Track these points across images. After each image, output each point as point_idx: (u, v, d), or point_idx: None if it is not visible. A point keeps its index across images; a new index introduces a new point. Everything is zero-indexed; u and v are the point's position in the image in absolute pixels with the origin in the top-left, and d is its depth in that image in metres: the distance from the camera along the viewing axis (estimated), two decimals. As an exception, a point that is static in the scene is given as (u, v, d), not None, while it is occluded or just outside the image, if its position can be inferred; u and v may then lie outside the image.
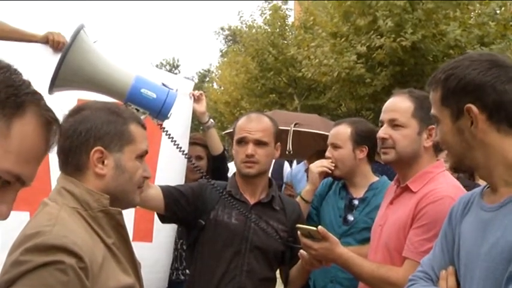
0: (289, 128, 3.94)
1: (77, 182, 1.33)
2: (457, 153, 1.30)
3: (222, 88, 22.25)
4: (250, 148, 2.10)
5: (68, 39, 2.50)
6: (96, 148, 1.33)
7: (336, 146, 2.46)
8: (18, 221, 2.33)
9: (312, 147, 4.10)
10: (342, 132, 2.47)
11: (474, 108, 1.23)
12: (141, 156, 1.42)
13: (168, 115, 1.72)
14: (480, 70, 1.26)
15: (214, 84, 27.70)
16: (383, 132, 1.94)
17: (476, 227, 1.28)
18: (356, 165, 2.44)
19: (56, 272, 1.10)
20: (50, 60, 2.44)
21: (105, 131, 1.35)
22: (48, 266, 1.10)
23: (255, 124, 2.15)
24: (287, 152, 3.60)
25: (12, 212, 2.55)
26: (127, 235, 1.36)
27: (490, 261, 1.17)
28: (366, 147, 2.42)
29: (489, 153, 1.25)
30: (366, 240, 2.21)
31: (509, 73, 1.24)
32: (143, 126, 1.45)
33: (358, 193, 2.44)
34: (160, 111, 1.68)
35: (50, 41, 2.48)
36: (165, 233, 2.59)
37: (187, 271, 2.63)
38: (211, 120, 2.87)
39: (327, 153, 2.50)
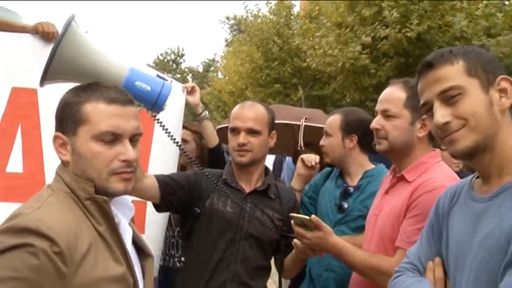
0: (299, 123, 3.89)
1: (65, 169, 1.30)
2: (486, 127, 1.20)
3: (227, 77, 22.19)
4: (242, 137, 2.11)
5: (58, 29, 2.50)
6: (55, 134, 1.29)
7: (327, 134, 2.51)
8: (11, 212, 2.35)
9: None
10: (332, 121, 2.52)
11: (510, 79, 1.21)
12: (109, 138, 1.25)
13: (163, 107, 1.70)
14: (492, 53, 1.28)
15: (219, 73, 27.63)
16: (376, 122, 1.94)
17: (468, 218, 1.26)
18: (347, 154, 2.46)
19: (25, 255, 1.08)
20: (40, 50, 2.44)
21: (62, 115, 1.28)
22: (17, 249, 1.08)
23: (247, 113, 2.15)
24: (299, 148, 3.56)
25: (5, 204, 2.56)
26: (115, 224, 1.29)
27: (485, 251, 1.16)
28: (356, 136, 2.43)
29: (507, 133, 1.22)
30: (360, 228, 2.22)
31: None
32: (117, 103, 1.28)
33: (353, 181, 2.45)
34: (155, 103, 1.65)
35: (40, 32, 2.47)
36: (156, 225, 2.63)
37: (183, 258, 2.65)
38: (206, 112, 2.87)
39: (321, 141, 2.56)
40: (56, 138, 1.29)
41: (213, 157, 2.88)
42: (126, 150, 1.28)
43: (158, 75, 1.72)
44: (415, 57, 11.14)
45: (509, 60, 11.15)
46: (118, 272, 1.24)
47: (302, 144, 3.47)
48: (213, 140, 2.90)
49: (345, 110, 2.57)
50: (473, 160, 1.26)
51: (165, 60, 39.61)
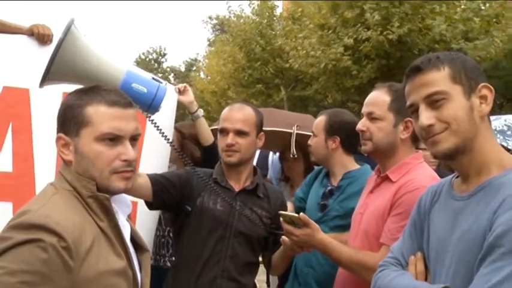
0: (291, 131, 3.94)
1: (67, 168, 1.35)
2: (465, 131, 1.28)
3: (209, 77, 22.21)
4: (230, 138, 2.17)
5: (53, 31, 2.52)
6: (58, 135, 1.34)
7: (313, 134, 2.61)
8: (1, 211, 2.37)
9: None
10: (318, 121, 2.61)
11: (491, 87, 1.31)
12: (110, 139, 1.31)
13: (158, 108, 1.75)
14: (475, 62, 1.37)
15: (201, 73, 27.61)
16: (361, 124, 2.03)
17: (448, 215, 1.35)
18: (329, 155, 2.54)
19: (35, 249, 1.14)
20: (34, 52, 2.45)
21: (65, 117, 1.34)
22: (28, 244, 1.14)
23: (236, 114, 2.21)
24: (291, 156, 3.61)
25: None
26: (117, 221, 1.36)
27: (463, 246, 1.25)
28: (338, 138, 2.50)
29: (485, 136, 1.31)
30: (338, 228, 2.32)
31: None
32: (117, 105, 1.34)
33: (336, 181, 2.53)
34: (150, 105, 1.70)
35: (35, 34, 2.48)
36: (147, 225, 2.66)
37: (174, 258, 2.69)
38: (201, 110, 2.87)
39: (308, 141, 2.67)
40: (58, 139, 1.35)
41: (207, 155, 2.85)
42: (127, 150, 1.34)
43: (154, 78, 1.78)
44: (396, 59, 11.37)
45: (485, 64, 11.45)
46: (119, 265, 1.31)
47: (294, 152, 3.52)
48: (208, 138, 2.89)
49: (330, 112, 2.65)
50: (453, 161, 1.35)
51: (147, 59, 39.34)
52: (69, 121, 1.32)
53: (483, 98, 1.31)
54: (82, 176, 1.32)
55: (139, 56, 39.48)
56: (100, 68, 1.63)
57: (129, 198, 1.50)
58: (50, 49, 1.62)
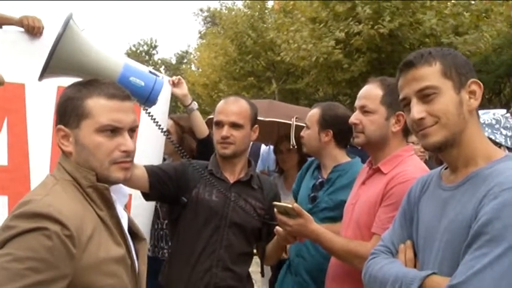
0: (290, 122, 3.98)
1: (67, 159, 1.38)
2: (454, 125, 1.34)
3: (200, 70, 22.14)
4: (225, 130, 2.22)
5: (49, 25, 2.52)
6: (58, 126, 1.37)
7: (307, 126, 2.65)
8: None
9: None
10: (312, 114, 2.65)
11: (480, 83, 1.36)
12: (110, 130, 1.35)
13: (155, 101, 1.79)
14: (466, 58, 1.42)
15: (192, 66, 27.51)
16: (354, 117, 2.08)
17: (436, 205, 1.41)
18: (322, 147, 2.59)
19: (40, 237, 1.18)
20: (27, 46, 2.46)
21: (65, 109, 1.36)
22: (33, 232, 1.18)
23: (231, 107, 2.26)
24: (291, 147, 3.66)
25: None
26: (116, 210, 1.39)
27: (450, 234, 1.31)
28: (331, 131, 2.55)
29: (473, 129, 1.37)
30: (328, 219, 2.37)
31: None
32: (116, 98, 1.38)
33: (326, 174, 2.58)
34: (148, 98, 1.74)
35: (25, 26, 2.47)
36: (142, 218, 2.68)
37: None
38: (195, 102, 2.89)
39: (301, 132, 2.71)
40: (58, 130, 1.38)
41: (203, 148, 2.87)
42: (126, 141, 1.38)
43: (151, 71, 1.81)
44: (387, 53, 11.43)
45: (475, 59, 11.55)
46: (118, 253, 1.35)
47: (294, 142, 3.58)
48: (203, 130, 2.92)
49: (324, 105, 2.69)
50: (443, 153, 1.41)
51: (138, 51, 39.08)
52: (70, 113, 1.35)
53: (472, 93, 1.37)
54: (82, 167, 1.35)
55: (130, 48, 39.24)
56: (98, 62, 1.66)
57: (126, 189, 1.53)
58: (45, 44, 1.63)
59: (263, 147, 5.37)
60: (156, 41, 41.00)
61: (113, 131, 1.36)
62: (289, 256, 2.56)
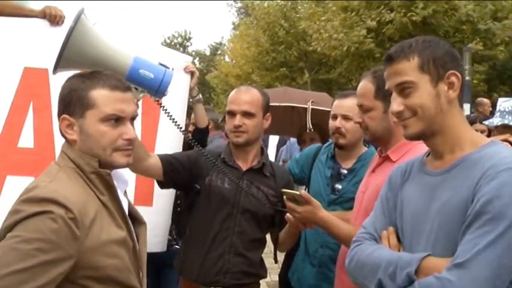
0: (306, 106, 4.00)
1: (71, 147, 1.47)
2: (431, 117, 1.40)
3: (233, 61, 22.23)
4: (237, 119, 2.26)
5: (66, 15, 2.64)
6: (62, 116, 1.45)
7: (347, 118, 2.43)
8: (26, 185, 2.51)
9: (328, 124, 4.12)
10: (352, 104, 2.33)
11: (458, 74, 1.40)
12: (114, 120, 1.43)
13: (165, 93, 1.85)
14: (449, 47, 1.46)
15: (226, 57, 27.64)
16: (357, 117, 2.11)
17: (422, 190, 1.45)
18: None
19: (47, 220, 1.27)
20: (49, 33, 2.57)
21: (69, 99, 1.44)
22: (39, 215, 1.27)
23: (242, 97, 2.30)
24: (308, 130, 3.69)
25: (19, 177, 2.72)
26: (117, 194, 1.47)
27: (442, 216, 1.35)
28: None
29: (456, 118, 1.42)
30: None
31: None
32: (118, 89, 1.45)
33: (346, 164, 2.55)
34: (157, 89, 1.81)
35: (47, 15, 2.60)
36: (164, 198, 2.75)
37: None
38: (200, 95, 3.09)
39: (337, 123, 2.46)
40: (63, 120, 1.46)
41: (198, 135, 3.04)
42: (129, 130, 1.47)
43: (160, 63, 1.87)
44: (420, 42, 11.12)
45: (514, 45, 11.09)
46: (120, 235, 1.43)
47: (311, 126, 3.60)
48: (203, 121, 3.14)
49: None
50: (426, 141, 1.48)
51: (172, 43, 39.59)
52: (74, 103, 1.43)
53: (451, 84, 1.41)
54: (85, 154, 1.43)
55: (165, 41, 39.76)
56: (109, 55, 1.74)
57: (126, 176, 1.60)
58: (65, 31, 1.72)
59: (271, 138, 5.39)
60: (190, 33, 41.54)
61: (117, 120, 1.44)
62: (305, 245, 2.57)
